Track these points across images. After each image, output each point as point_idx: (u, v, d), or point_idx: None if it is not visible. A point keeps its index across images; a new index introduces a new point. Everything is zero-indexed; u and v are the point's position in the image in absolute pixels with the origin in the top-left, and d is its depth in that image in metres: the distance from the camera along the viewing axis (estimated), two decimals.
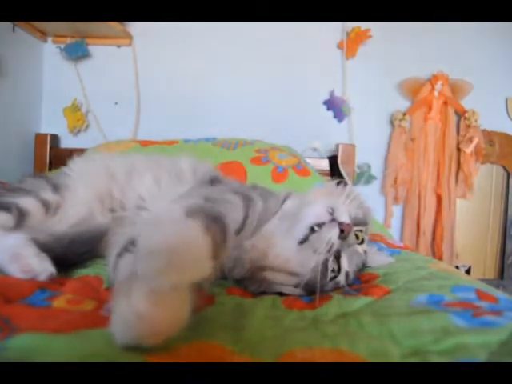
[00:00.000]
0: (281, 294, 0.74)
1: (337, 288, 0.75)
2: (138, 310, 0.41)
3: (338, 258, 0.73)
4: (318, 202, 0.76)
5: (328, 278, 0.73)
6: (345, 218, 0.73)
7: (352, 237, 0.75)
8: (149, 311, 0.41)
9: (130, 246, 0.59)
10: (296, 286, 0.73)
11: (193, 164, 1.08)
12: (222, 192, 0.79)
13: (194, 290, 0.46)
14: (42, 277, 0.70)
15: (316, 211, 0.74)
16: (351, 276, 0.76)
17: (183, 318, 0.45)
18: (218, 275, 0.81)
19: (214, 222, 0.51)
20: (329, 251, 0.71)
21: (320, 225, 0.72)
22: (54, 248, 0.78)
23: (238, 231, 0.75)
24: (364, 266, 0.81)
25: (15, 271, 0.70)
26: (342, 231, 0.71)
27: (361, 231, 0.79)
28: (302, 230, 0.73)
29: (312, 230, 0.73)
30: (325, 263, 0.72)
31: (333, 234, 0.71)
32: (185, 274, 0.42)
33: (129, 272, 0.49)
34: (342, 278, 0.74)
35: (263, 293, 0.75)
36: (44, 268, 0.71)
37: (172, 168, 1.04)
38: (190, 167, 1.06)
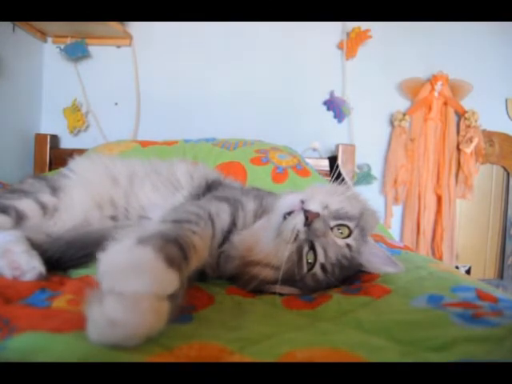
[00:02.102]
0: (280, 293, 0.74)
1: (318, 282, 0.74)
2: (110, 317, 0.42)
3: (313, 249, 0.73)
4: (293, 194, 0.78)
5: (305, 270, 0.73)
6: (313, 206, 0.73)
7: (319, 226, 0.73)
8: (120, 317, 0.42)
9: None
10: (281, 281, 0.72)
11: (189, 170, 1.10)
12: (208, 202, 0.85)
13: (175, 297, 0.49)
14: (29, 276, 0.69)
15: (287, 201, 0.76)
16: (330, 269, 0.73)
17: (157, 322, 0.46)
18: (215, 275, 0.82)
19: (169, 243, 0.56)
20: (295, 239, 0.71)
21: (290, 213, 0.74)
22: (51, 249, 0.78)
23: (228, 232, 0.81)
24: (354, 263, 0.78)
25: (3, 267, 0.70)
26: (307, 218, 0.72)
27: (345, 226, 0.76)
28: (276, 220, 0.75)
29: (285, 219, 0.74)
30: (299, 253, 0.72)
31: (297, 220, 0.72)
32: (141, 283, 0.46)
33: None
34: (317, 270, 0.73)
35: (260, 292, 0.75)
36: (32, 266, 0.70)
37: (168, 177, 1.06)
38: (186, 174, 1.08)
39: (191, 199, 0.98)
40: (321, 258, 0.73)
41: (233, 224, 0.82)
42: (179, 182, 1.05)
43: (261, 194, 0.92)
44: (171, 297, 0.49)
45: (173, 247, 0.56)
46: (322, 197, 0.76)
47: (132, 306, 0.43)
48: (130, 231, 0.61)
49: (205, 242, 0.69)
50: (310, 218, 0.72)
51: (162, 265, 0.50)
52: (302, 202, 0.74)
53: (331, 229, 0.75)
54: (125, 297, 0.44)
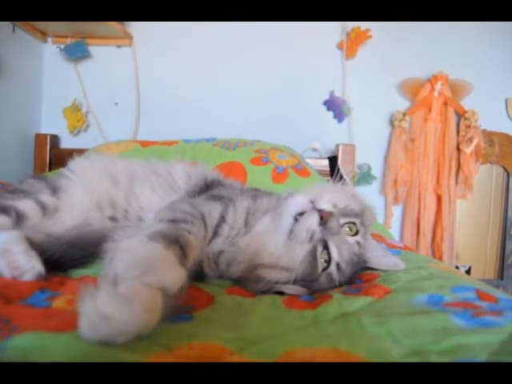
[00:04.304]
0: (281, 293, 0.74)
1: (332, 281, 0.74)
2: (103, 312, 0.42)
3: (327, 248, 0.73)
4: (300, 193, 0.78)
5: (319, 270, 0.73)
6: (325, 205, 0.74)
7: (334, 225, 0.73)
8: (113, 312, 0.42)
9: None
10: (293, 282, 0.72)
11: (187, 170, 1.10)
12: (202, 201, 0.88)
13: (173, 296, 0.51)
14: (28, 275, 0.69)
15: (297, 201, 0.76)
16: (343, 267, 0.74)
17: (149, 319, 0.46)
18: (214, 275, 0.82)
19: (173, 243, 0.60)
20: (310, 239, 0.72)
21: (302, 214, 0.74)
22: (50, 248, 0.78)
23: (217, 226, 0.82)
24: (358, 258, 0.79)
25: (3, 267, 0.70)
26: (321, 218, 0.72)
27: (353, 223, 0.78)
28: (286, 221, 0.75)
29: (296, 220, 0.74)
30: (313, 254, 0.72)
31: (312, 220, 0.72)
32: (154, 276, 0.50)
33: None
34: (333, 269, 0.73)
35: (263, 292, 0.75)
36: (31, 266, 0.70)
37: (166, 179, 1.06)
38: (183, 174, 1.08)
39: (187, 197, 0.99)
40: (335, 256, 0.73)
41: (222, 219, 0.83)
42: (177, 183, 1.06)
43: (257, 194, 0.93)
44: (167, 295, 0.50)
45: (175, 246, 0.59)
46: (330, 196, 0.77)
47: (125, 302, 0.44)
48: (133, 230, 0.64)
49: (199, 241, 0.72)
50: (324, 217, 0.72)
51: (175, 261, 0.56)
52: (312, 202, 0.74)
53: (341, 227, 0.76)
54: (119, 292, 0.45)
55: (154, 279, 0.49)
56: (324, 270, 0.73)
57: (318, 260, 0.73)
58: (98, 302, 0.43)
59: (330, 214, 0.73)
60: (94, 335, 0.42)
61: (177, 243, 0.61)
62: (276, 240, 0.75)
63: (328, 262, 0.73)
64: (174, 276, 0.53)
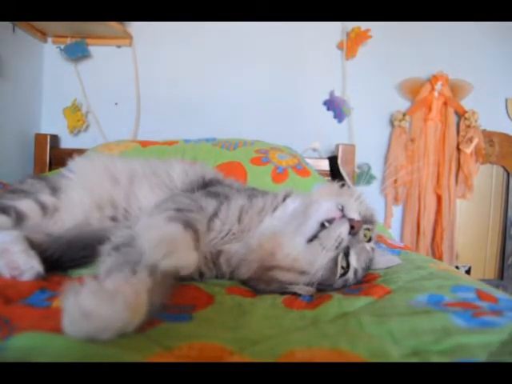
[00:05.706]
0: (285, 292, 0.74)
1: (345, 285, 0.76)
2: (85, 308, 0.43)
3: (347, 254, 0.74)
4: (327, 199, 0.77)
5: (337, 276, 0.74)
6: (355, 214, 0.74)
7: (362, 234, 0.76)
8: (95, 309, 0.43)
9: (122, 246, 0.68)
10: (307, 285, 0.72)
11: (185, 168, 1.10)
12: (200, 197, 0.88)
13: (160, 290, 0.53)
14: (27, 275, 0.70)
15: (326, 207, 0.75)
16: (360, 273, 0.76)
17: (132, 316, 0.46)
18: (212, 274, 0.82)
19: (188, 226, 0.62)
20: (337, 247, 0.72)
21: (330, 221, 0.73)
22: (50, 248, 0.78)
23: (209, 220, 0.82)
24: (370, 263, 0.81)
25: (2, 267, 0.70)
26: (352, 227, 0.72)
27: (368, 229, 0.79)
28: (312, 227, 0.74)
29: (322, 226, 0.73)
30: (334, 260, 0.73)
31: (343, 229, 0.72)
32: (179, 257, 0.53)
33: (107, 268, 0.61)
34: (350, 275, 0.75)
35: (265, 292, 0.75)
36: (30, 266, 0.71)
37: (165, 179, 1.06)
38: (181, 172, 1.08)
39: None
40: (354, 263, 0.75)
41: (215, 215, 0.84)
42: (174, 182, 1.05)
43: (253, 193, 0.93)
44: (152, 292, 0.50)
45: (190, 229, 0.62)
46: (355, 203, 0.77)
47: (107, 299, 0.44)
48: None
49: (204, 230, 0.74)
50: (356, 227, 0.73)
51: (192, 244, 0.58)
52: (341, 209, 0.74)
53: None
54: (103, 289, 0.45)
55: (174, 261, 0.52)
56: (342, 275, 0.74)
57: (338, 266, 0.73)
58: (81, 299, 0.43)
59: (360, 223, 0.74)
60: (76, 332, 0.43)
61: (191, 227, 0.63)
62: (295, 243, 0.74)
63: (347, 268, 0.74)
64: (192, 257, 0.56)
